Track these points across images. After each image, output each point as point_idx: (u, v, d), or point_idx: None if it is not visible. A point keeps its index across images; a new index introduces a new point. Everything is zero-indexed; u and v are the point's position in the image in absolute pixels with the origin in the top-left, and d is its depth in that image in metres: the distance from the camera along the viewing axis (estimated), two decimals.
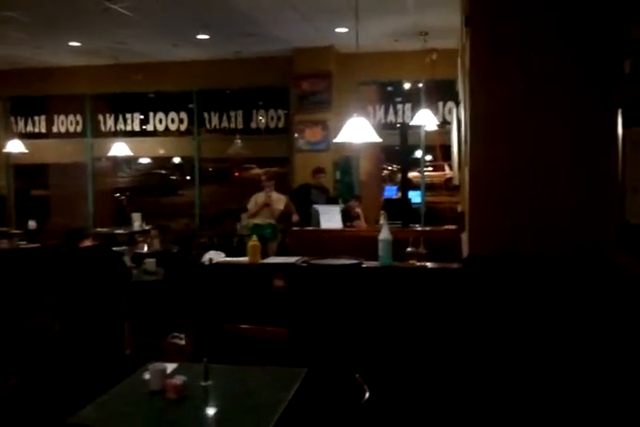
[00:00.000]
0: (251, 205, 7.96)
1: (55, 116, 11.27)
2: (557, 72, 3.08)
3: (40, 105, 11.44)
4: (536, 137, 3.08)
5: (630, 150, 2.52)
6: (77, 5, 6.79)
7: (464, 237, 3.79)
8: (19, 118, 11.42)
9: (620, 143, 2.65)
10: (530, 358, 3.05)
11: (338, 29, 8.10)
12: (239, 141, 9.92)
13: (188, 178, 11.82)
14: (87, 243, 5.75)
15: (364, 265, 4.13)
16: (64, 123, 11.23)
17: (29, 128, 11.39)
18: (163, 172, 13.91)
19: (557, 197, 3.06)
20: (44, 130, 11.37)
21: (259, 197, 7.91)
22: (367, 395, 2.50)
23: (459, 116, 5.78)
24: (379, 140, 4.96)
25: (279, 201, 7.89)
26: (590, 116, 3.01)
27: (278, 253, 6.87)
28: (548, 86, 3.08)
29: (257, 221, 7.83)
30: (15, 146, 9.73)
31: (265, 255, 4.75)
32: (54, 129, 11.30)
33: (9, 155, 10.77)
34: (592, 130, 3.00)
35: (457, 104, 7.36)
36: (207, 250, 5.68)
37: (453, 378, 3.53)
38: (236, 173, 13.00)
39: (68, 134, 11.23)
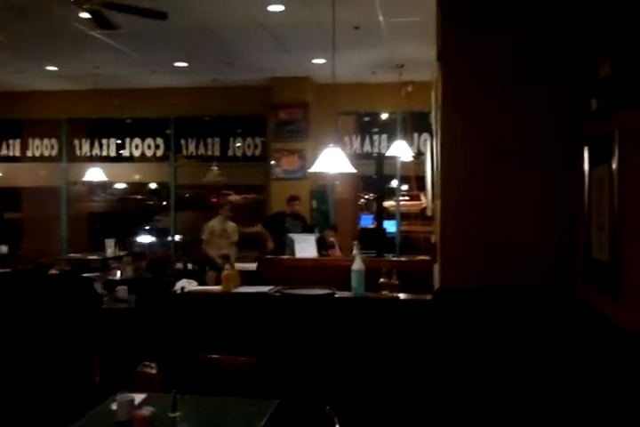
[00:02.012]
0: (205, 236, 7.94)
1: (30, 140, 11.20)
2: (527, 109, 3.15)
3: (15, 128, 11.36)
4: (505, 172, 3.14)
5: (596, 187, 2.58)
6: (56, 31, 6.83)
7: (436, 268, 3.82)
8: None
9: (586, 180, 2.71)
10: (498, 390, 3.07)
11: (315, 60, 8.23)
12: (216, 168, 9.95)
13: (164, 203, 11.79)
14: (53, 271, 5.72)
15: (336, 295, 4.14)
16: (39, 147, 11.17)
17: (4, 151, 11.30)
18: (138, 197, 13.83)
19: (527, 231, 3.10)
20: (18, 153, 11.28)
21: (216, 226, 7.91)
22: None
23: (433, 147, 5.87)
24: (353, 170, 5.02)
25: (234, 232, 7.94)
26: (559, 152, 3.08)
27: (254, 282, 6.85)
28: (518, 122, 3.15)
29: (211, 251, 7.82)
30: None
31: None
32: (29, 153, 11.23)
33: None
34: (561, 166, 3.07)
35: (432, 136, 7.49)
36: (181, 277, 5.67)
37: (424, 410, 3.53)
38: (213, 200, 12.97)
39: (42, 158, 11.17)
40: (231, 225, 7.97)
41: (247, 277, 7.76)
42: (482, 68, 3.21)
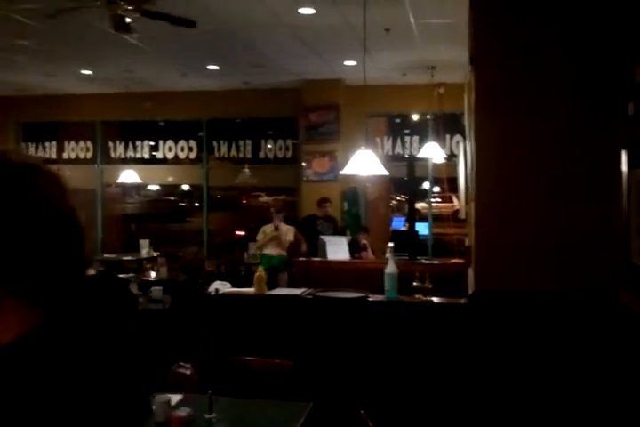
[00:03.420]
0: (259, 237, 8.01)
1: (66, 143, 11.39)
2: (562, 113, 3.12)
3: (51, 131, 11.58)
4: (542, 175, 3.11)
5: (634, 191, 2.55)
6: (89, 35, 6.95)
7: (470, 272, 3.80)
8: (30, 144, 11.53)
9: (624, 183, 2.68)
10: (535, 396, 3.04)
11: (346, 62, 8.23)
12: (247, 171, 10.00)
13: (197, 205, 11.90)
14: (91, 271, 5.79)
15: (369, 299, 4.14)
16: (74, 149, 11.35)
17: (40, 154, 11.50)
18: (171, 199, 14.00)
19: (565, 234, 3.08)
20: (54, 156, 11.48)
21: (267, 229, 7.95)
22: None
23: (466, 149, 5.84)
24: (385, 173, 5.01)
25: (289, 232, 7.95)
26: (595, 155, 3.04)
27: (288, 284, 6.89)
28: (554, 126, 3.12)
29: (266, 251, 7.88)
30: None
31: (274, 286, 4.77)
32: (65, 155, 11.42)
33: None
34: (597, 169, 3.03)
35: (464, 138, 7.44)
36: (214, 279, 5.71)
37: (458, 415, 3.51)
38: (244, 201, 13.07)
39: (78, 161, 11.34)
40: (284, 227, 8.01)
41: None
42: (515, 71, 3.20)
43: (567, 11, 3.13)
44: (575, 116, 3.11)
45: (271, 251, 7.87)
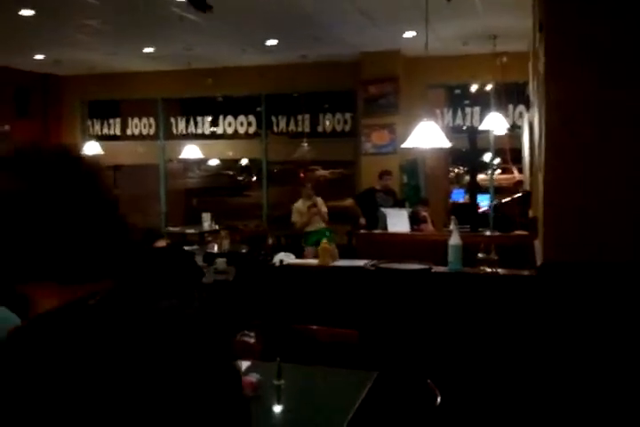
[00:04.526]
0: (295, 218, 8.00)
1: (129, 119, 11.64)
2: (635, 78, 3.03)
3: (115, 108, 11.85)
4: (612, 143, 3.04)
5: None
6: (152, 14, 7.04)
7: (537, 243, 3.75)
8: (95, 121, 11.84)
9: None
10: (605, 371, 3.01)
11: (406, 33, 8.10)
12: (306, 145, 10.01)
13: (254, 179, 11.99)
14: (162, 243, 5.93)
15: (433, 270, 4.15)
16: (137, 126, 11.59)
17: (105, 130, 11.81)
18: (230, 173, 14.19)
19: (636, 204, 3.00)
20: (118, 132, 11.76)
21: (301, 207, 7.95)
22: (439, 400, 2.52)
23: (530, 119, 5.71)
24: (448, 144, 4.96)
25: (322, 204, 7.99)
26: None
27: (345, 255, 6.94)
28: (625, 93, 3.03)
29: (310, 228, 7.92)
30: (91, 147, 10.11)
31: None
32: (128, 131, 11.68)
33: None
34: None
35: (528, 108, 7.26)
36: (277, 251, 5.80)
37: (524, 386, 3.51)
38: (301, 175, 13.15)
39: (141, 137, 11.59)
40: (318, 201, 8.04)
41: (339, 251, 7.89)
42: (587, 38, 3.10)
43: None
44: None
45: (314, 226, 7.91)
